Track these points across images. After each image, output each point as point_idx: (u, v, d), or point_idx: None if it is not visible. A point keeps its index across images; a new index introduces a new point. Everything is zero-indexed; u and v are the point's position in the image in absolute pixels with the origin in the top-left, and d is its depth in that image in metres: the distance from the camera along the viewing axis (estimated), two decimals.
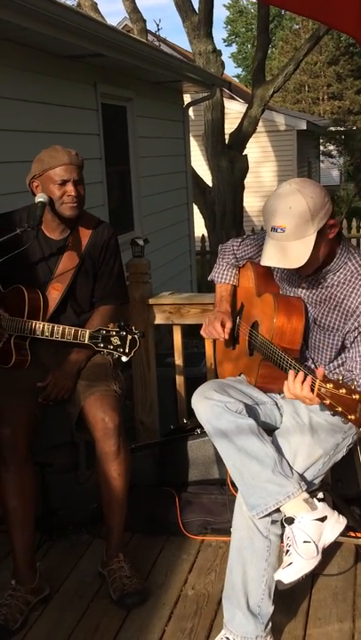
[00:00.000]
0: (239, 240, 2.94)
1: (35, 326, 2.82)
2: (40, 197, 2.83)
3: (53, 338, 2.79)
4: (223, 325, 2.81)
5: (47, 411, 2.91)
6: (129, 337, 2.61)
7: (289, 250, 2.33)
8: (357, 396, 2.04)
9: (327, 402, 2.09)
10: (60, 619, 2.75)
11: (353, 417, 2.05)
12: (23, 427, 2.76)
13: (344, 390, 2.06)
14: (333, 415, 2.09)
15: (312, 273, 2.48)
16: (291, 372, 2.28)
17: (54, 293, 2.94)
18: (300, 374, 2.24)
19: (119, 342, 2.61)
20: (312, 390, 2.17)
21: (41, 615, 2.77)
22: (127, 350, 2.61)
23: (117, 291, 3.10)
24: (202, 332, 2.91)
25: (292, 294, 2.62)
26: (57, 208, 2.88)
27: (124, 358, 2.62)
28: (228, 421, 2.49)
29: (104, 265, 3.03)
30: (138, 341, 2.61)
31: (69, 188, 2.84)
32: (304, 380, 2.22)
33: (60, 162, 2.83)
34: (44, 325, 2.81)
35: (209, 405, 2.55)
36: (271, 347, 2.50)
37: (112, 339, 2.62)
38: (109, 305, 3.06)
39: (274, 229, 2.34)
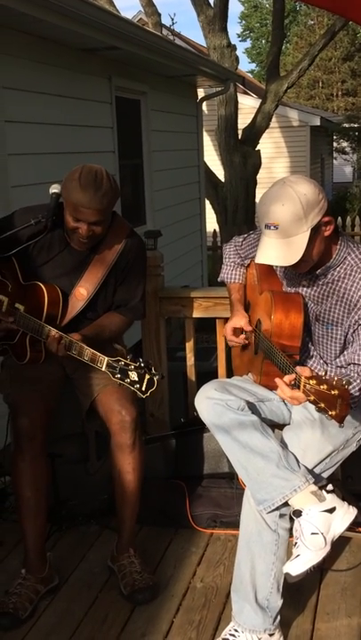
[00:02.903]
0: (240, 240, 2.95)
1: (53, 335, 2.74)
2: (54, 189, 2.79)
3: (70, 352, 2.70)
4: (238, 328, 2.82)
5: (59, 400, 2.92)
6: (147, 376, 2.53)
7: (282, 247, 2.34)
8: (336, 392, 2.05)
9: (311, 398, 2.10)
10: (68, 609, 2.76)
11: (333, 412, 2.07)
12: (40, 417, 2.76)
13: (325, 386, 2.08)
14: (318, 411, 2.11)
15: (311, 270, 2.49)
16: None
17: (77, 302, 2.87)
18: (287, 378, 2.26)
19: (137, 379, 2.53)
20: (298, 387, 2.18)
21: (50, 605, 2.79)
22: (144, 389, 2.53)
23: (136, 305, 2.99)
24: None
25: (293, 291, 2.62)
26: (68, 235, 2.82)
27: (139, 395, 2.56)
28: (230, 419, 2.50)
29: (129, 276, 2.93)
30: (156, 383, 2.53)
31: (82, 227, 2.70)
32: (291, 379, 2.23)
33: (78, 201, 2.64)
34: (61, 336, 2.71)
35: (210, 405, 2.56)
36: (268, 344, 2.51)
37: (130, 372, 2.53)
38: (124, 317, 2.97)
39: (267, 226, 2.35)
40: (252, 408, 2.57)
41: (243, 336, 2.82)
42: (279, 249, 2.35)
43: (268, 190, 2.40)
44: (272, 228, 2.34)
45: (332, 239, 2.45)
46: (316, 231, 2.35)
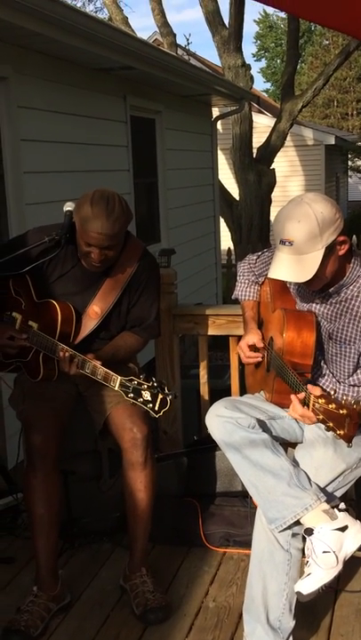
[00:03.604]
0: (255, 257, 2.95)
1: (65, 353, 2.73)
2: (68, 206, 2.81)
3: (83, 371, 2.70)
4: (251, 345, 2.81)
5: (71, 417, 2.92)
6: (160, 396, 2.51)
7: (296, 264, 2.34)
8: (345, 411, 2.06)
9: (320, 417, 2.10)
10: (80, 627, 2.75)
11: (342, 432, 2.07)
12: (53, 434, 2.76)
13: (334, 405, 2.08)
14: (328, 431, 2.11)
15: (324, 288, 2.48)
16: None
17: (90, 321, 2.87)
18: (300, 397, 2.26)
19: (150, 398, 2.51)
20: (308, 405, 2.17)
21: (61, 623, 2.77)
22: (157, 409, 2.51)
23: (151, 324, 2.98)
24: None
25: (306, 309, 2.61)
26: (81, 258, 2.82)
27: (152, 414, 2.55)
28: (241, 437, 2.49)
29: (143, 296, 2.93)
30: (169, 403, 2.51)
31: (94, 252, 2.70)
32: (301, 398, 2.24)
33: (90, 227, 2.64)
34: (74, 355, 2.71)
35: (221, 423, 2.56)
36: (280, 362, 2.51)
37: (143, 392, 2.52)
38: (139, 336, 2.96)
39: (282, 242, 2.35)
40: (263, 426, 2.55)
41: (257, 353, 2.81)
42: (292, 265, 2.35)
43: (285, 207, 2.40)
44: (287, 244, 2.34)
45: (346, 258, 2.44)
46: (330, 250, 2.35)
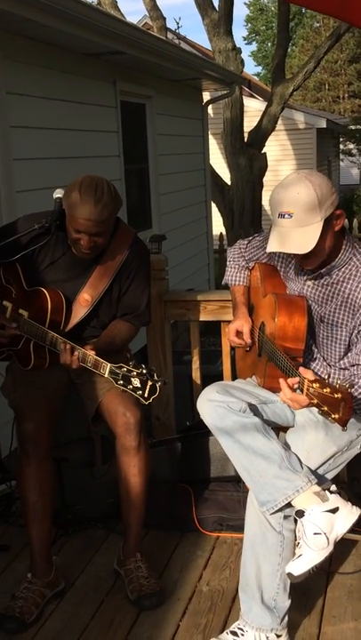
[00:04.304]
0: (245, 243, 2.95)
1: (56, 341, 2.74)
2: (58, 193, 2.80)
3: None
4: (239, 331, 2.82)
5: (63, 405, 2.92)
6: (149, 382, 2.52)
7: (295, 236, 2.34)
8: (339, 395, 2.06)
9: (315, 401, 2.11)
10: (74, 613, 2.77)
11: (336, 416, 2.07)
12: (45, 421, 2.77)
13: (328, 389, 2.09)
14: (321, 415, 2.12)
15: (317, 268, 2.48)
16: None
17: (81, 309, 2.88)
18: (290, 381, 2.27)
19: (139, 385, 2.52)
20: (301, 390, 2.18)
21: (56, 609, 2.79)
22: (146, 395, 2.52)
23: (142, 312, 2.98)
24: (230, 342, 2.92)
25: (297, 293, 2.62)
26: (71, 246, 2.81)
27: (141, 401, 2.56)
28: (233, 421, 2.50)
29: (134, 283, 2.92)
30: (158, 389, 2.52)
31: (83, 238, 2.69)
32: (294, 382, 2.24)
33: (78, 214, 2.64)
34: (65, 342, 2.72)
35: (212, 407, 2.57)
36: (272, 347, 2.51)
37: (133, 379, 2.53)
38: (131, 324, 2.96)
39: (281, 215, 2.35)
40: (255, 410, 2.56)
41: (245, 337, 2.81)
42: (293, 237, 2.35)
43: (281, 182, 2.41)
44: (286, 216, 2.34)
45: (338, 238, 2.45)
46: (328, 223, 2.36)
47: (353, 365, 2.43)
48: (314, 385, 2.12)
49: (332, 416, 2.08)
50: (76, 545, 3.23)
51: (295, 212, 2.33)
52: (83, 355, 2.68)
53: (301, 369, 2.26)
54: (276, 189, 2.41)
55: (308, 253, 2.38)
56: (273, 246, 2.40)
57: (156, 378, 2.52)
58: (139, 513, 2.87)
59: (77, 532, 3.29)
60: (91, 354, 2.67)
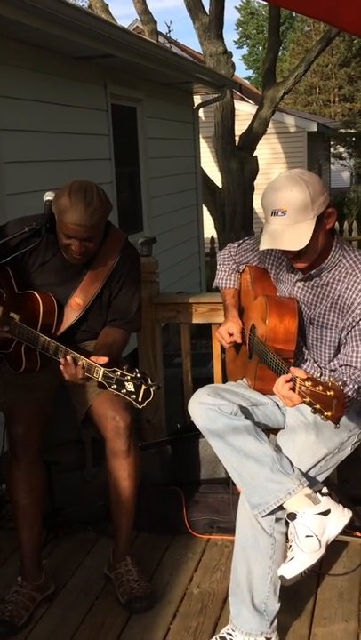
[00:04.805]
0: (235, 245, 2.96)
1: (48, 344, 2.72)
2: (48, 196, 2.80)
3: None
4: (230, 334, 2.82)
5: (54, 407, 2.92)
6: (143, 387, 2.48)
7: (289, 233, 2.35)
8: (332, 393, 2.06)
9: (307, 399, 2.11)
10: (65, 616, 2.76)
11: (329, 413, 2.07)
12: (35, 424, 2.76)
13: (321, 387, 2.08)
14: (314, 413, 2.12)
15: (307, 269, 2.49)
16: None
17: (72, 312, 2.87)
18: (285, 376, 2.26)
19: (133, 389, 2.48)
20: (293, 389, 2.18)
21: (46, 612, 2.78)
22: (140, 400, 2.49)
23: (133, 318, 2.96)
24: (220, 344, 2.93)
25: (287, 295, 2.63)
26: (62, 251, 2.80)
27: (135, 406, 2.53)
28: (224, 424, 2.50)
29: (125, 287, 2.91)
30: (152, 394, 2.49)
31: (74, 244, 2.68)
32: (288, 379, 2.23)
33: (69, 219, 2.62)
34: (57, 346, 2.70)
35: (203, 410, 2.57)
36: (263, 348, 2.51)
37: (126, 383, 2.49)
38: (123, 330, 2.94)
39: (274, 213, 2.36)
40: (246, 412, 2.57)
41: (236, 339, 2.81)
42: (286, 234, 2.36)
43: (274, 180, 2.42)
44: (280, 214, 2.35)
45: (328, 239, 2.46)
46: (320, 220, 2.38)
47: (342, 366, 2.44)
48: (306, 383, 2.12)
49: (325, 414, 2.07)
50: (67, 548, 3.22)
51: (288, 209, 2.34)
52: (87, 364, 2.62)
53: (293, 368, 2.26)
54: (268, 188, 2.42)
55: (300, 251, 2.39)
56: (266, 243, 2.40)
57: (150, 382, 2.49)
58: (129, 516, 2.87)
59: (68, 535, 3.29)
60: (84, 358, 2.65)
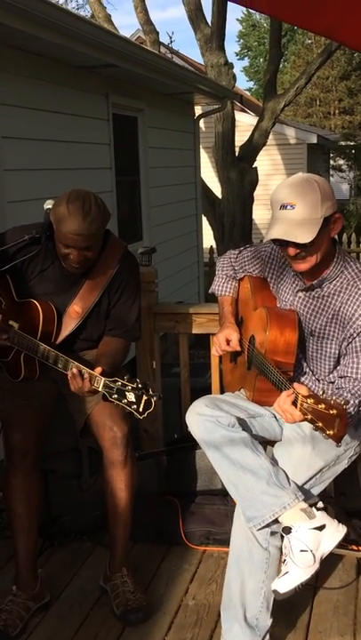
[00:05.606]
0: (235, 252, 2.96)
1: (48, 353, 2.72)
2: (48, 204, 2.80)
3: (66, 372, 2.66)
4: (229, 341, 2.81)
5: (52, 416, 2.91)
6: (144, 397, 2.46)
7: (296, 226, 2.35)
8: (335, 412, 2.04)
9: (308, 417, 2.09)
10: (59, 626, 2.75)
11: (331, 432, 2.05)
12: (33, 432, 2.76)
13: (323, 405, 2.06)
14: (315, 430, 2.09)
15: (309, 277, 2.49)
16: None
17: (71, 321, 2.86)
18: (287, 391, 2.24)
19: (134, 399, 2.46)
20: (295, 405, 2.16)
21: (41, 622, 2.77)
22: (141, 410, 2.46)
23: (133, 327, 2.94)
24: (213, 352, 2.91)
25: (288, 306, 2.62)
26: (61, 261, 2.80)
27: (136, 416, 2.51)
28: (221, 435, 2.50)
29: (124, 297, 2.90)
30: (153, 404, 2.46)
31: (73, 253, 2.68)
32: (290, 394, 2.22)
33: (67, 229, 2.62)
34: (57, 355, 2.69)
35: (201, 421, 2.56)
36: (262, 360, 2.51)
37: (127, 393, 2.47)
38: (122, 339, 2.92)
39: (284, 207, 2.37)
40: (243, 424, 2.56)
41: (234, 346, 2.79)
42: (293, 227, 2.35)
43: (285, 180, 2.45)
44: (289, 207, 2.35)
45: (331, 248, 2.46)
46: (327, 223, 2.38)
47: (341, 377, 2.43)
48: (308, 400, 2.10)
49: (327, 432, 2.05)
50: (62, 557, 3.21)
51: (298, 204, 2.35)
52: (87, 374, 2.60)
53: (296, 384, 2.24)
54: (279, 186, 2.45)
55: (303, 251, 2.38)
56: (273, 234, 2.39)
57: (151, 392, 2.46)
58: (125, 527, 2.86)
59: (63, 545, 3.28)
60: (85, 368, 2.62)
